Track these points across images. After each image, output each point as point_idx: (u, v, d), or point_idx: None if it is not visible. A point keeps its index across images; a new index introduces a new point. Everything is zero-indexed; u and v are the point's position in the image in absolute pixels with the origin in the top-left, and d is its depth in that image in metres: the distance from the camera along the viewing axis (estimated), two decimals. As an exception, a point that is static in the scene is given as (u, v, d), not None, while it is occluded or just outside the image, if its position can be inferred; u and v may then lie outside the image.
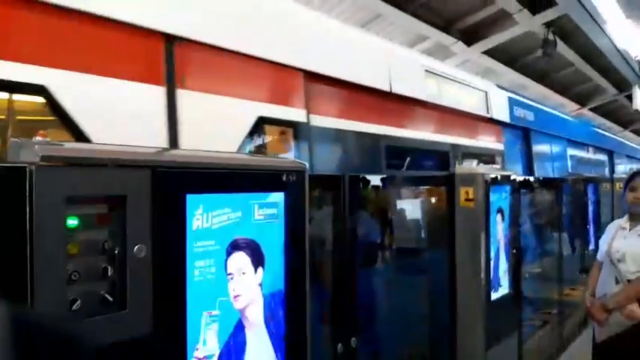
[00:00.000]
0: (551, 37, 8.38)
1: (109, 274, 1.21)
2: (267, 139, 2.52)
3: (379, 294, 3.02)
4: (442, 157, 4.11)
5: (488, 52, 9.27)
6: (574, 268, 5.66)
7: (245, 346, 1.54)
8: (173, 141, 1.99)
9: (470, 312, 3.11)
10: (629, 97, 13.32)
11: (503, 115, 4.79)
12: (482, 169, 3.64)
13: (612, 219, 7.12)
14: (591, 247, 6.28)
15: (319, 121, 2.82)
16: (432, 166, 4.11)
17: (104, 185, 1.19)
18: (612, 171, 9.54)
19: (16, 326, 0.87)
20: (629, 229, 2.96)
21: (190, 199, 1.36)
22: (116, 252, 1.22)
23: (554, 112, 7.02)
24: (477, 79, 4.62)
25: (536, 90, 11.27)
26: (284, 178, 1.66)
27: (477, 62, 9.32)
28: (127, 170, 1.23)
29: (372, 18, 6.97)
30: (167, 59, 2.05)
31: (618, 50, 7.40)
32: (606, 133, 10.39)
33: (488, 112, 4.50)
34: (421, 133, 3.87)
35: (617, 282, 2.82)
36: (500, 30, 8.38)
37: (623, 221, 3.06)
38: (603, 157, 9.42)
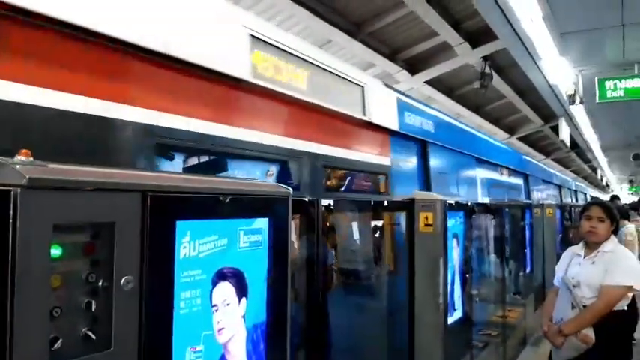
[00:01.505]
0: (487, 70, 8.91)
1: (93, 308, 1.10)
2: None
3: (343, 318, 2.99)
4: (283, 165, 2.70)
5: (430, 82, 9.70)
6: (511, 290, 5.92)
7: (227, 382, 1.45)
8: None
9: (429, 335, 3.15)
10: (553, 128, 14.39)
11: (388, 120, 3.55)
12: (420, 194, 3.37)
13: (543, 242, 7.65)
14: (527, 269, 6.62)
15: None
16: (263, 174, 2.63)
17: (92, 211, 1.09)
18: (528, 197, 8.58)
19: None
20: (584, 257, 3.14)
21: (179, 225, 1.28)
22: (100, 284, 1.11)
23: (460, 124, 5.75)
24: (351, 68, 3.27)
25: (471, 119, 11.89)
26: (268, 203, 1.61)
27: (419, 90, 9.70)
28: (116, 195, 1.14)
29: (323, 43, 7.09)
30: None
31: (549, 85, 7.98)
32: (521, 155, 9.27)
33: (364, 114, 3.16)
34: (244, 129, 2.30)
35: (572, 307, 2.96)
36: (442, 61, 8.81)
37: (578, 248, 3.23)
38: (518, 180, 8.29)
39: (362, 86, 3.22)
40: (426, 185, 4.20)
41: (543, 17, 5.33)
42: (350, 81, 3.10)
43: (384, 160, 3.56)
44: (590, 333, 2.87)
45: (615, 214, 3.18)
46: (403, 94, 4.20)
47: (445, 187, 4.54)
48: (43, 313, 1.00)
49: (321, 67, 2.81)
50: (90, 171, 1.12)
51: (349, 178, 3.24)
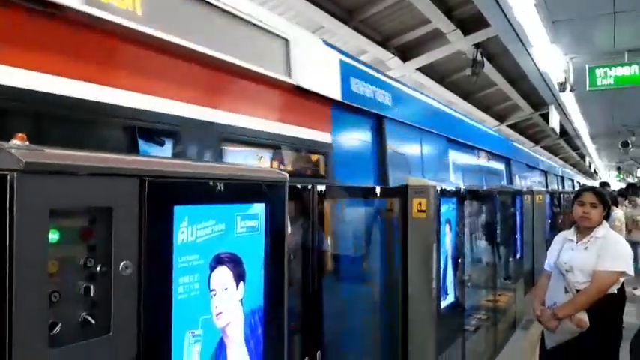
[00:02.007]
0: (479, 57, 8.91)
1: (92, 294, 1.09)
2: None
3: (337, 303, 3.01)
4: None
5: (422, 69, 9.69)
6: (501, 275, 5.99)
7: (226, 366, 1.46)
8: None
9: (422, 320, 3.18)
10: (543, 116, 14.48)
11: (327, 86, 2.84)
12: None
13: (533, 228, 7.73)
14: (518, 255, 6.70)
15: None
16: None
17: (89, 196, 1.08)
18: (510, 183, 7.96)
19: None
20: (577, 242, 3.17)
21: (177, 210, 1.28)
22: (99, 269, 1.11)
23: (427, 99, 4.76)
24: (272, 16, 2.56)
25: (461, 106, 11.91)
26: (265, 188, 1.61)
27: (411, 78, 9.69)
28: (114, 179, 1.13)
29: (316, 29, 7.03)
30: None
31: (540, 73, 8.00)
32: (503, 137, 8.66)
33: (288, 75, 2.49)
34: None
35: (566, 291, 3.01)
36: (434, 48, 8.79)
37: (570, 233, 3.27)
38: (499, 165, 7.66)
39: (285, 39, 2.49)
40: (381, 169, 3.47)
41: (535, 4, 5.34)
42: (268, 31, 2.38)
43: (324, 137, 2.81)
44: (584, 317, 2.92)
45: (607, 200, 3.22)
46: (354, 58, 3.35)
47: (406, 171, 3.75)
48: (42, 298, 0.99)
49: (223, 9, 2.12)
50: (87, 156, 1.11)
51: (266, 156, 2.53)
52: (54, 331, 1.01)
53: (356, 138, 3.31)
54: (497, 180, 7.41)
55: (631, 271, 3.04)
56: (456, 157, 5.49)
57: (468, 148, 5.98)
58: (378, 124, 3.47)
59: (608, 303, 3.00)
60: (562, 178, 16.27)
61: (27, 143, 1.02)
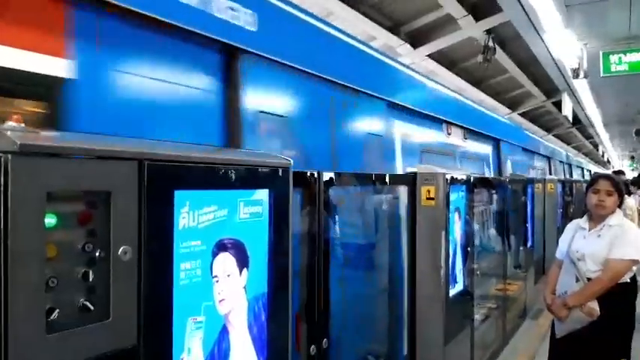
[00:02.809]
0: (491, 43, 8.76)
1: (90, 279, 1.07)
2: None
3: (345, 291, 2.99)
4: None
5: (432, 56, 9.55)
6: (511, 263, 5.93)
7: (229, 352, 1.45)
8: None
9: (430, 308, 3.15)
10: (555, 104, 14.26)
11: None
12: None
13: (544, 217, 7.64)
14: (528, 244, 6.63)
15: None
16: None
17: (87, 179, 1.06)
18: (498, 169, 6.29)
19: None
20: (589, 230, 3.11)
21: (178, 195, 1.25)
22: (98, 254, 1.09)
23: (344, 36, 3.00)
24: None
25: (472, 94, 11.75)
26: (269, 174, 1.58)
27: (420, 65, 9.56)
28: (112, 163, 1.10)
29: (324, 15, 6.93)
30: None
31: (553, 59, 7.84)
32: (487, 112, 6.35)
33: None
34: None
35: (577, 280, 2.95)
36: (445, 34, 8.65)
37: (582, 221, 3.21)
38: (483, 147, 5.88)
39: None
40: (231, 132, 2.08)
41: (549, -13, 5.21)
42: None
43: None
44: (595, 306, 2.87)
45: (622, 188, 3.15)
46: None
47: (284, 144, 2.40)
48: (39, 284, 0.97)
49: None
50: (84, 138, 1.08)
51: None
52: (51, 317, 1.00)
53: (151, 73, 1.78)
54: (479, 167, 5.56)
55: None
56: (407, 130, 3.83)
57: (428, 120, 4.18)
58: (229, 63, 1.99)
59: (621, 292, 2.94)
60: (570, 165, 14.03)
61: (22, 125, 1.00)
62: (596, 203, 3.08)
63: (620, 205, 3.15)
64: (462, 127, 5.02)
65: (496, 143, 6.31)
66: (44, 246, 0.98)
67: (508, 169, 6.67)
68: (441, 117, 4.43)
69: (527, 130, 9.68)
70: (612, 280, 2.91)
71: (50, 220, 1.00)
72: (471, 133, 5.26)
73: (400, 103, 3.66)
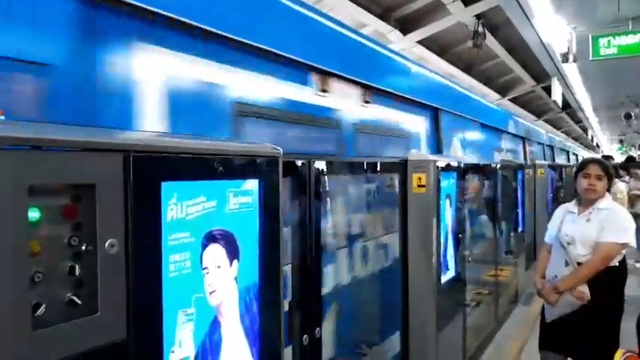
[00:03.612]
0: (480, 29, 8.74)
1: (77, 273, 1.05)
2: None
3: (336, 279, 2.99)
4: None
5: (422, 42, 9.51)
6: (502, 250, 5.98)
7: (221, 344, 1.44)
8: None
9: (423, 295, 3.17)
10: (545, 89, 14.31)
11: None
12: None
13: (535, 202, 7.69)
14: (519, 229, 6.68)
15: None
16: None
17: (71, 172, 1.04)
18: (438, 151, 4.21)
19: None
20: (578, 214, 3.13)
21: (165, 187, 1.23)
22: (84, 248, 1.07)
23: None
24: None
25: (462, 79, 11.75)
26: (258, 164, 1.56)
27: (411, 51, 9.52)
28: (96, 155, 1.08)
29: (314, 2, 6.86)
30: None
31: (542, 43, 7.86)
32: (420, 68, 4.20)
33: None
34: None
35: (566, 264, 2.98)
36: (435, 20, 8.61)
37: (571, 206, 3.23)
38: (405, 117, 3.72)
39: None
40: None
41: (538, -28, 5.19)
42: None
43: None
44: (585, 289, 2.91)
45: (612, 172, 3.18)
46: None
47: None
48: (23, 279, 0.95)
49: None
50: (67, 129, 1.06)
51: None
52: (37, 313, 0.98)
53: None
54: (393, 149, 3.42)
55: (634, 243, 3.01)
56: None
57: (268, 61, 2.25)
58: None
59: (610, 276, 2.97)
60: (551, 148, 11.36)
61: (2, 117, 0.97)
62: (586, 187, 3.09)
63: (609, 190, 3.17)
64: (359, 83, 2.99)
65: (434, 114, 4.22)
66: (28, 241, 0.96)
67: (456, 151, 4.67)
68: (300, 59, 2.38)
69: (525, 119, 8.01)
70: (603, 263, 2.94)
71: (33, 215, 0.98)
72: (380, 96, 3.24)
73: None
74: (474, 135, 5.50)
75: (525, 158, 8.09)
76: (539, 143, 9.71)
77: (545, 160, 9.61)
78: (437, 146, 4.30)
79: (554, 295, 3.00)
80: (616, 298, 3.04)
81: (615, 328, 3.01)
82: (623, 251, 3.06)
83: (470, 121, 5.30)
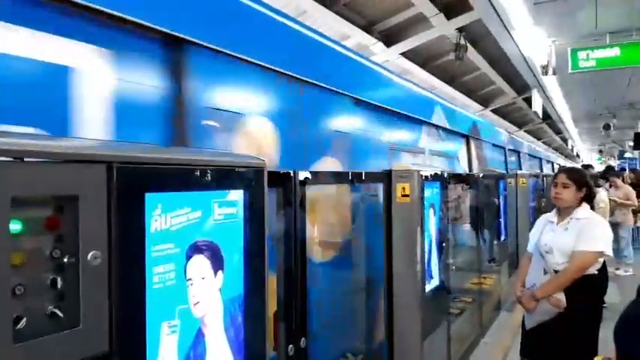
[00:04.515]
0: (462, 41, 8.90)
1: (59, 286, 1.04)
2: None
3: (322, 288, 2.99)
4: None
5: (406, 54, 9.64)
6: (485, 258, 6.03)
7: (205, 356, 1.43)
8: None
9: (407, 304, 3.18)
10: (526, 100, 14.57)
11: None
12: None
13: (517, 211, 7.78)
14: (502, 238, 6.75)
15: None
16: None
17: (53, 183, 1.03)
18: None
19: None
20: (557, 224, 3.19)
21: (149, 198, 1.23)
22: (67, 260, 1.06)
23: None
24: None
25: (445, 91, 11.92)
26: (243, 174, 1.57)
27: (395, 63, 9.64)
28: (79, 166, 1.07)
29: (298, 14, 6.93)
30: None
31: (523, 56, 8.02)
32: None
33: None
34: None
35: (545, 273, 3.03)
36: (417, 32, 8.74)
37: (551, 215, 3.28)
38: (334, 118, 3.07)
39: None
40: None
41: (518, -14, 5.33)
42: None
43: None
44: (561, 297, 2.95)
45: (585, 180, 3.20)
46: None
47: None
48: (4, 292, 0.94)
49: None
50: (49, 140, 1.05)
51: None
52: (18, 326, 0.97)
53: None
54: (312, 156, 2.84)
55: (610, 252, 3.06)
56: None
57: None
58: None
59: (588, 284, 3.02)
60: (517, 154, 9.47)
61: (-17, 128, 0.96)
62: (553, 196, 3.18)
63: (589, 199, 3.21)
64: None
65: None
66: (9, 253, 0.95)
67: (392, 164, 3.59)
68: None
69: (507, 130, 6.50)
70: (578, 271, 2.98)
71: (15, 227, 0.97)
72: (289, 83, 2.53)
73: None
74: (422, 142, 4.44)
75: (470, 167, 6.18)
76: (512, 150, 8.20)
77: (506, 168, 7.91)
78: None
79: (533, 303, 3.04)
80: (594, 306, 3.08)
81: (593, 335, 3.04)
82: (601, 259, 3.11)
83: (421, 125, 4.42)
